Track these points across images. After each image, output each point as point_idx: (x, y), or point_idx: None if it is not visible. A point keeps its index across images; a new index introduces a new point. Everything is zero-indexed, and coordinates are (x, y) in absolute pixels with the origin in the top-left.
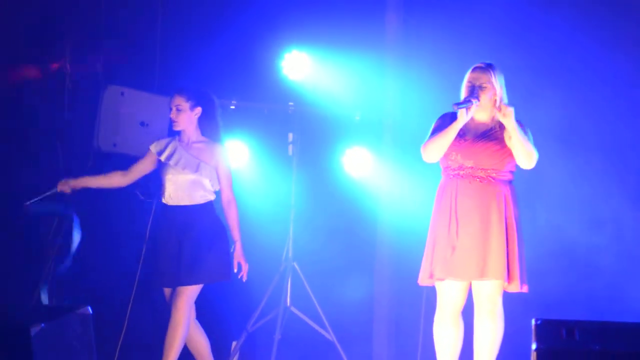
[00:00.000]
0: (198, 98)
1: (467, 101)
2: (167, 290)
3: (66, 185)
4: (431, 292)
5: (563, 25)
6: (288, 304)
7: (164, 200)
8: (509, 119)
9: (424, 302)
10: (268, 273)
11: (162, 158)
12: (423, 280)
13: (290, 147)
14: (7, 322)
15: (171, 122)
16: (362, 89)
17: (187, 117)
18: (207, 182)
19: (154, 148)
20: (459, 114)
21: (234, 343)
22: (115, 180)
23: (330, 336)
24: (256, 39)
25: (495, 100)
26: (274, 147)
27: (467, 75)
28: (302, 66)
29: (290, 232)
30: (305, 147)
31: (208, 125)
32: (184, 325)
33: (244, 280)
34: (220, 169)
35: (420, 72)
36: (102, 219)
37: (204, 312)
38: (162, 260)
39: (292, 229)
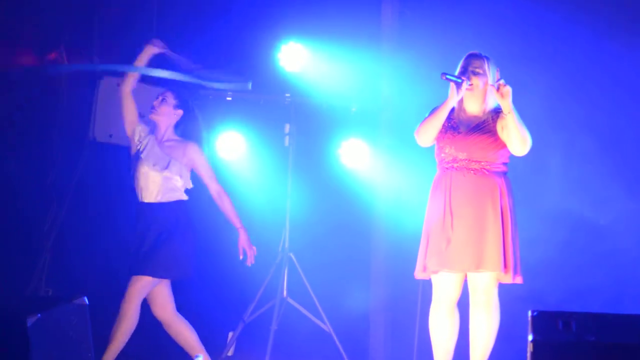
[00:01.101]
0: (185, 103)
1: (458, 77)
2: None
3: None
4: (427, 284)
5: (558, 16)
6: (284, 295)
7: (137, 196)
8: (506, 100)
9: (420, 294)
10: (264, 264)
11: (139, 145)
12: (419, 273)
13: (287, 138)
14: (4, 312)
15: (151, 109)
16: (358, 80)
17: (167, 111)
18: (177, 180)
19: (139, 126)
20: (450, 91)
21: (230, 334)
22: (133, 84)
23: (327, 327)
24: (253, 30)
25: (486, 91)
26: (271, 138)
27: (462, 61)
28: (298, 57)
29: (286, 223)
30: (301, 139)
31: (187, 128)
32: (131, 317)
33: (248, 264)
34: (199, 166)
35: (417, 63)
36: (98, 209)
37: (200, 303)
38: (129, 253)
39: (288, 220)
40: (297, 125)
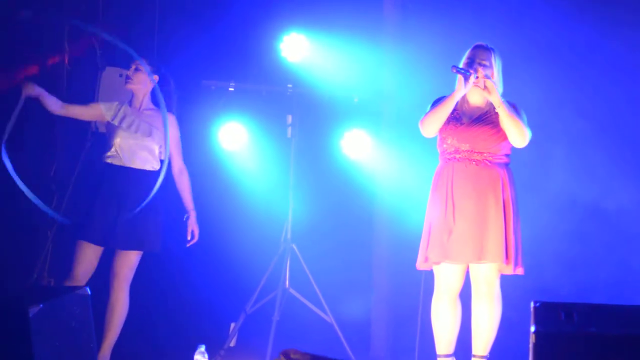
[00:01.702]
0: (158, 67)
1: (466, 70)
2: (90, 248)
3: (31, 89)
4: (429, 274)
5: (560, 8)
6: (287, 285)
7: (107, 160)
8: (493, 94)
9: (423, 285)
10: (267, 255)
11: (115, 121)
12: (420, 264)
13: (289, 129)
14: (6, 302)
15: (126, 79)
16: (360, 71)
17: (143, 79)
18: (156, 149)
19: (103, 107)
20: (457, 84)
21: (232, 324)
22: (53, 105)
23: (329, 318)
24: (255, 21)
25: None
26: (273, 129)
27: (468, 52)
28: (300, 48)
29: (289, 214)
30: (303, 130)
31: (161, 96)
32: (127, 297)
33: (187, 246)
34: (172, 139)
35: (419, 54)
36: None
37: (202, 293)
38: (99, 217)
39: (291, 211)
40: (299, 116)
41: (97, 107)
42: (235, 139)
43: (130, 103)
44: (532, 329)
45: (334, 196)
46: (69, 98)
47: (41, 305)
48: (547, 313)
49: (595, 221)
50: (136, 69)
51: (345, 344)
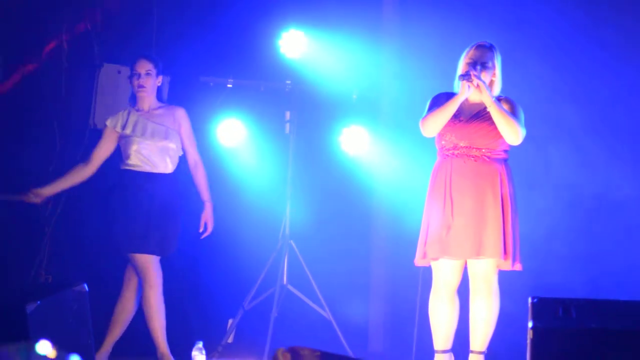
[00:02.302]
0: (162, 67)
1: (476, 76)
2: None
3: (37, 197)
4: (427, 270)
5: (557, 7)
6: (285, 282)
7: (127, 167)
8: (484, 94)
9: (421, 281)
10: (265, 251)
11: (127, 131)
12: (419, 260)
13: (288, 125)
14: (4, 299)
15: (138, 87)
16: (359, 67)
17: (154, 83)
18: (173, 148)
19: (111, 123)
20: (460, 87)
21: (230, 321)
22: (79, 175)
23: (327, 314)
24: (253, 17)
25: (493, 81)
26: (271, 125)
27: (470, 52)
28: (299, 44)
29: (287, 211)
30: (302, 126)
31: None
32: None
33: (201, 238)
34: (184, 131)
35: (417, 50)
36: (95, 196)
37: (200, 290)
38: (132, 225)
39: (289, 208)
40: (297, 112)
41: (108, 131)
42: (234, 136)
43: (136, 106)
44: (530, 324)
45: (332, 192)
46: (66, 95)
47: (39, 302)
48: (544, 308)
49: (596, 216)
50: (147, 74)
51: (343, 340)
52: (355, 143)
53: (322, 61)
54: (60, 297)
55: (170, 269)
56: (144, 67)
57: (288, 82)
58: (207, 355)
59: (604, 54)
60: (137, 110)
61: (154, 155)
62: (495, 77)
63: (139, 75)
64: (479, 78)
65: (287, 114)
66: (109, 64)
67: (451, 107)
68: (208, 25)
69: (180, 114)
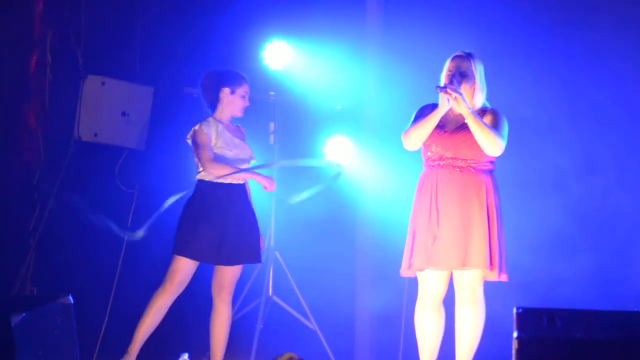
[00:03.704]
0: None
1: (452, 88)
2: (192, 263)
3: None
4: (413, 281)
5: (543, 12)
6: (270, 293)
7: (215, 180)
8: (461, 106)
9: (406, 291)
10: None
11: (221, 143)
12: (404, 271)
13: (272, 136)
14: None
15: (243, 110)
16: (343, 78)
17: None
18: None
19: (206, 131)
20: (440, 101)
21: None
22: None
23: (313, 325)
24: (237, 29)
25: (473, 90)
26: (255, 136)
27: (447, 64)
28: (283, 56)
29: (271, 222)
30: (286, 136)
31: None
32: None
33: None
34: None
35: (401, 61)
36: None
37: (185, 301)
38: (212, 236)
39: (273, 219)
40: (281, 123)
41: (210, 141)
42: None
43: (219, 120)
44: (515, 334)
45: (317, 203)
46: (50, 107)
47: (24, 314)
48: (529, 318)
49: (582, 225)
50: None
51: (328, 351)
52: (340, 153)
53: (306, 72)
54: (45, 309)
55: (155, 280)
56: (247, 90)
57: (272, 93)
58: None
59: (588, 56)
60: (222, 123)
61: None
62: (476, 84)
63: (245, 98)
64: (455, 91)
65: (271, 125)
66: (93, 75)
67: (431, 121)
68: (192, 36)
69: (242, 129)
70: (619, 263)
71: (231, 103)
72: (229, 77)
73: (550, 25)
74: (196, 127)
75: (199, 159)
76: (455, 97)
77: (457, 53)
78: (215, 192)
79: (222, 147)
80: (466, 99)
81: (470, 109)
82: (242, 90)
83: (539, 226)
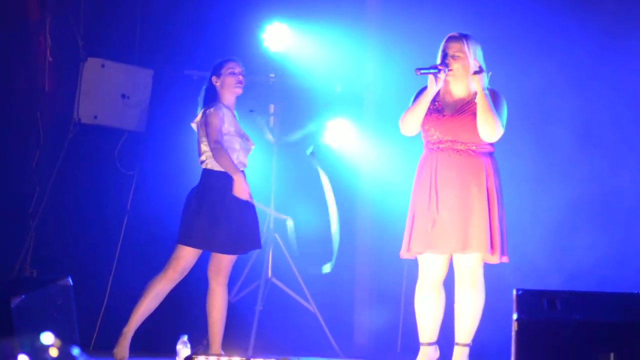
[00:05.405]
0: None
1: (433, 67)
2: (193, 253)
3: None
4: (412, 263)
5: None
6: (269, 275)
7: (208, 167)
8: (477, 86)
9: (406, 273)
10: None
11: (232, 129)
12: (404, 253)
13: (271, 118)
14: None
15: (239, 83)
16: (343, 60)
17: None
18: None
19: (220, 116)
20: (429, 82)
21: None
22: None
23: (312, 307)
24: (237, 10)
25: (468, 71)
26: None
27: (441, 45)
28: (283, 38)
29: (271, 204)
30: (286, 118)
31: None
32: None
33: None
34: None
35: (401, 43)
36: (83, 190)
37: (184, 283)
38: (215, 225)
39: (273, 200)
40: (281, 105)
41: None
42: None
43: (227, 106)
44: (515, 316)
45: (316, 185)
46: (50, 89)
47: (23, 296)
48: (529, 300)
49: (582, 208)
50: (241, 72)
51: (328, 333)
52: (340, 136)
53: (306, 54)
54: (45, 291)
55: (154, 262)
56: (241, 68)
57: (272, 75)
58: (192, 348)
59: (585, 41)
60: (230, 109)
61: (246, 155)
62: (470, 65)
63: (239, 74)
64: (442, 70)
65: (271, 107)
66: (93, 58)
67: (422, 103)
68: (191, 19)
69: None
70: (619, 245)
71: (224, 84)
72: (213, 69)
73: (554, 5)
74: (210, 110)
75: (209, 138)
76: (472, 77)
77: (450, 34)
78: (221, 182)
79: (233, 135)
80: (462, 80)
81: (484, 89)
82: (225, 69)
83: (539, 209)
